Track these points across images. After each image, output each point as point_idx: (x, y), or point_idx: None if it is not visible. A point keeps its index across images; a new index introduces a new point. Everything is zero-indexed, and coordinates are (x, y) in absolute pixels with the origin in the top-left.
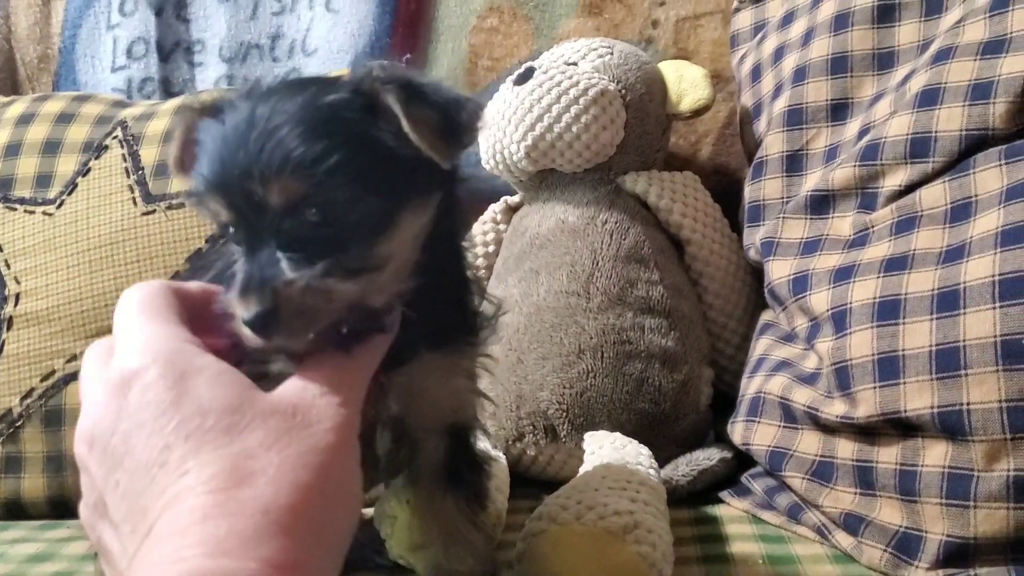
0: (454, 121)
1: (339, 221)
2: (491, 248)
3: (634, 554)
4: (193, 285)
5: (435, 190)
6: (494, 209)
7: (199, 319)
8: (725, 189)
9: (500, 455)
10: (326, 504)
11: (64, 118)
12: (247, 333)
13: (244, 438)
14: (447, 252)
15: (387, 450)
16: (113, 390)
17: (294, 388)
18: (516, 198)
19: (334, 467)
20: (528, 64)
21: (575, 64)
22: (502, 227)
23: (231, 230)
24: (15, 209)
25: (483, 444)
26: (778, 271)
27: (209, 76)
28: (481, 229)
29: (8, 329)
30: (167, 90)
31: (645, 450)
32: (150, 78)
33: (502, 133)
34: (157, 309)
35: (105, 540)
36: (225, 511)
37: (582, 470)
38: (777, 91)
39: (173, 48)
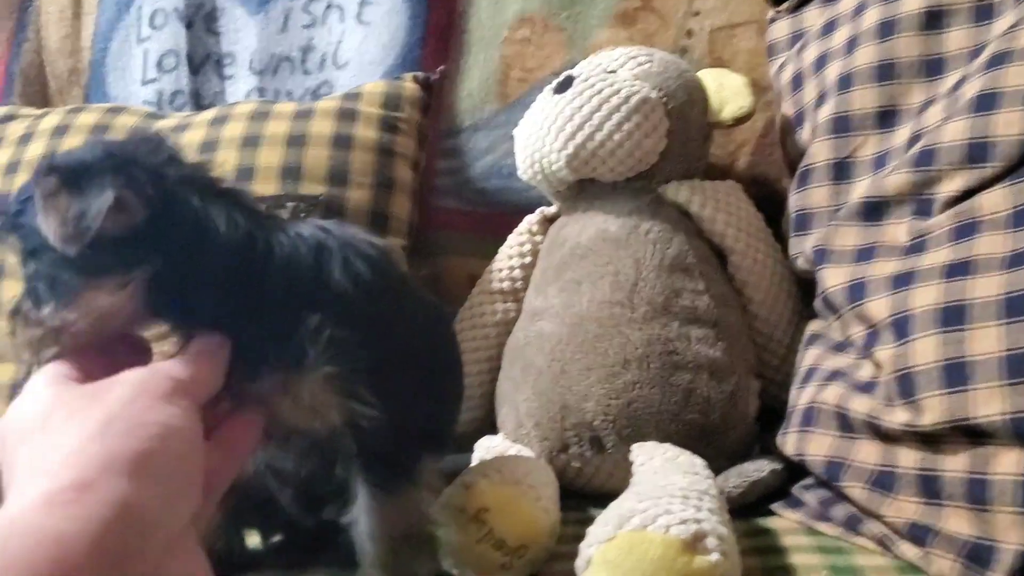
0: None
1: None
2: (527, 259)
3: (707, 563)
4: None
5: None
6: (530, 220)
7: None
8: (764, 199)
9: (546, 465)
10: (113, 441)
11: (99, 130)
12: None
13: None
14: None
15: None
16: None
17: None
18: (552, 208)
19: (124, 410)
20: (567, 73)
21: (615, 72)
22: (538, 238)
23: None
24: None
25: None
26: (833, 279)
27: (240, 89)
28: (517, 240)
29: None
30: (198, 103)
31: (699, 460)
32: (180, 91)
33: (541, 143)
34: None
35: None
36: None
37: (635, 480)
38: (821, 99)
39: (203, 61)
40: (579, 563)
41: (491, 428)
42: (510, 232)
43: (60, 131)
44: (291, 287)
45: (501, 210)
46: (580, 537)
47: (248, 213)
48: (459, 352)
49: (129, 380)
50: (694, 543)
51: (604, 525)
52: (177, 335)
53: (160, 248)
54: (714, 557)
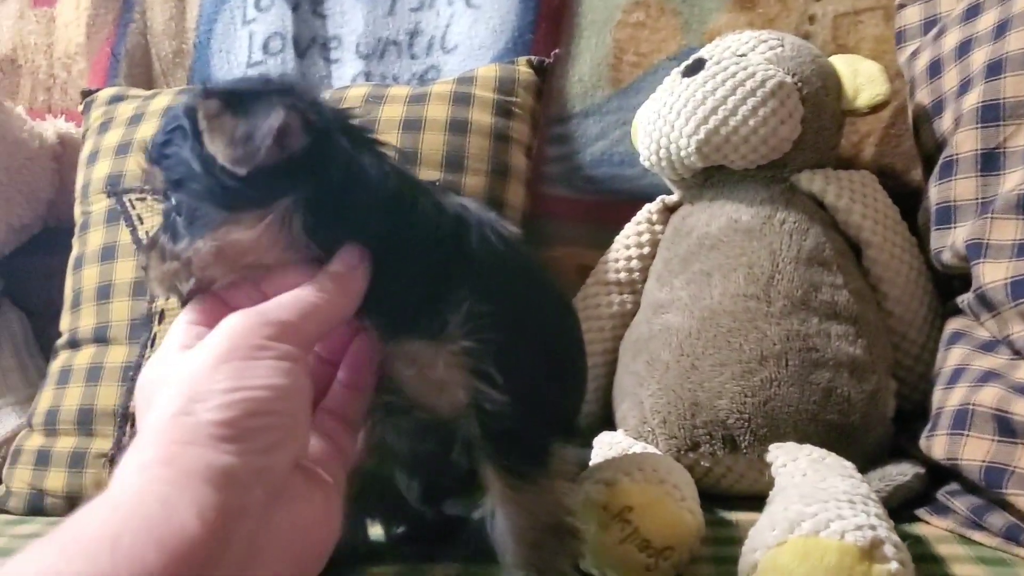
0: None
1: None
2: (646, 250)
3: (886, 572)
4: None
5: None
6: (649, 209)
7: None
8: (891, 191)
9: (681, 465)
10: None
11: None
12: None
13: None
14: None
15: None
16: None
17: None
18: (674, 197)
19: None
20: (696, 55)
21: (745, 56)
22: (658, 228)
23: None
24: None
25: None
26: (991, 274)
27: (346, 73)
28: (635, 230)
29: (160, 323)
30: None
31: (848, 463)
32: (286, 74)
33: (669, 127)
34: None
35: None
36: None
37: (781, 482)
38: (964, 87)
39: (309, 44)
40: (743, 567)
41: (607, 424)
42: (621, 221)
43: None
44: (433, 251)
45: (612, 198)
46: (716, 540)
47: (396, 168)
48: (583, 340)
49: (222, 332)
50: (871, 550)
51: (771, 529)
52: None
53: (309, 182)
54: (893, 566)
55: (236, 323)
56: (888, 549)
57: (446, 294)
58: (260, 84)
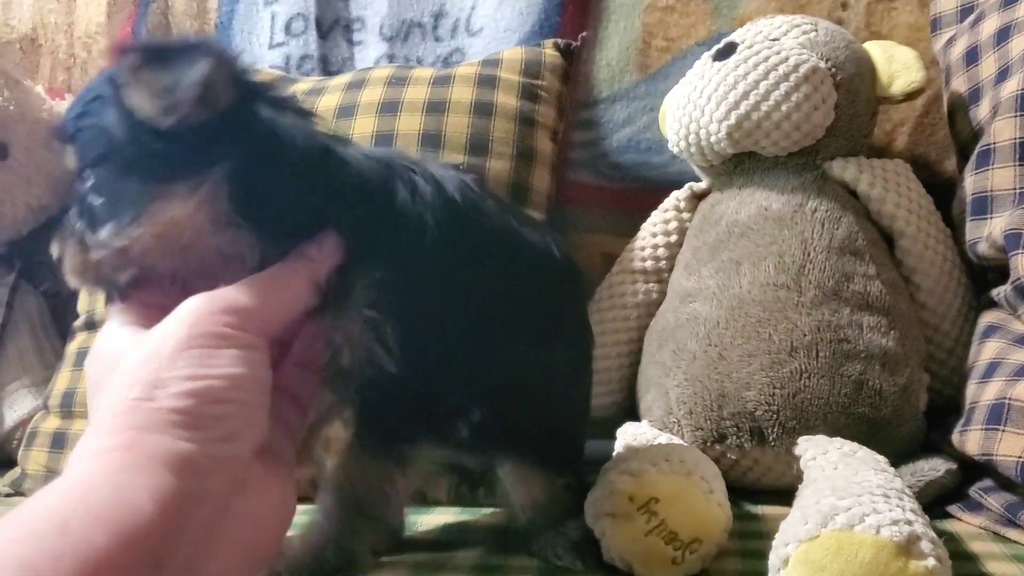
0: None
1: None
2: (673, 238)
3: (923, 568)
4: None
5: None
6: (676, 196)
7: None
8: (924, 181)
9: (708, 457)
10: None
11: None
12: None
13: None
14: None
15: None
16: None
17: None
18: (702, 184)
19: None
20: (728, 39)
21: (778, 40)
22: (685, 215)
23: None
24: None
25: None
26: None
27: (369, 55)
28: (662, 217)
29: None
30: (326, 68)
31: (880, 456)
32: (309, 55)
33: (699, 112)
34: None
35: None
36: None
37: (810, 475)
38: (1003, 74)
39: (332, 25)
40: (773, 561)
41: (631, 414)
42: (647, 209)
43: None
44: (360, 207)
45: (638, 186)
46: (741, 533)
47: (322, 132)
48: (584, 313)
49: (182, 318)
50: (908, 546)
51: (803, 522)
52: (257, 252)
53: (237, 147)
54: (930, 563)
55: (196, 308)
56: (925, 545)
57: (362, 256)
58: (185, 40)
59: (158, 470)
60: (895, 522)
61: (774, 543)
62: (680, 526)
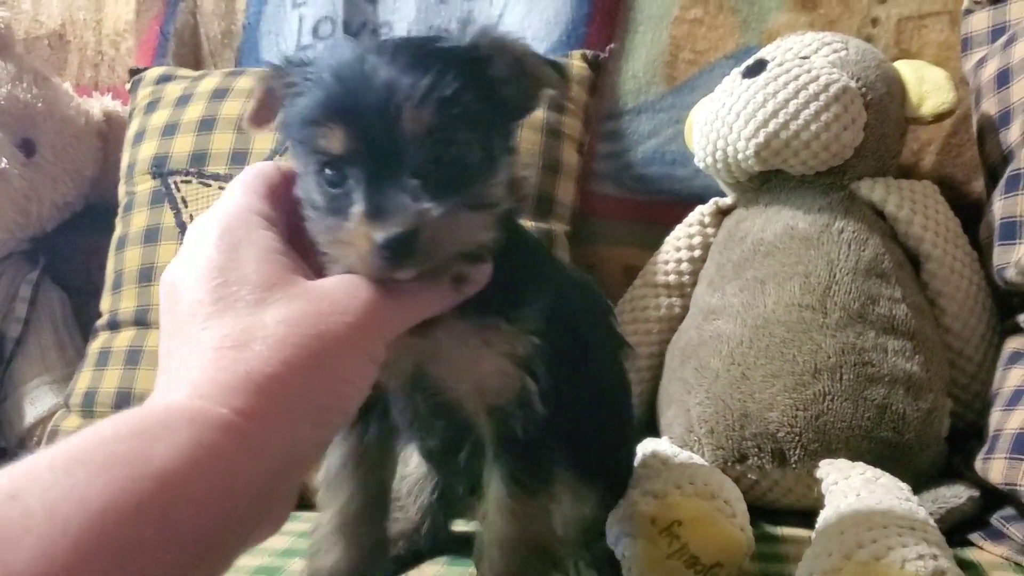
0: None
1: (460, 159)
2: (697, 252)
3: None
4: None
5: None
6: (701, 211)
7: None
8: (951, 202)
9: (730, 479)
10: (308, 384)
11: None
12: (367, 260)
13: (265, 311)
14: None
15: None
16: (186, 244)
17: (338, 280)
18: (728, 200)
19: (333, 357)
20: (758, 56)
21: (807, 58)
22: (710, 230)
23: (342, 161)
24: (209, 185)
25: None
26: None
27: None
28: (686, 232)
29: None
30: None
31: (903, 484)
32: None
33: (727, 129)
34: (249, 183)
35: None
36: (217, 365)
37: (832, 501)
38: None
39: (360, 29)
40: None
41: (651, 429)
42: (670, 222)
43: (219, 94)
44: (529, 254)
45: (662, 199)
46: (763, 556)
47: None
48: (629, 398)
49: (356, 317)
50: None
51: (827, 554)
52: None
53: None
54: None
55: (369, 305)
56: None
57: (526, 292)
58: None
59: (274, 457)
60: (920, 556)
61: (797, 573)
62: (702, 550)
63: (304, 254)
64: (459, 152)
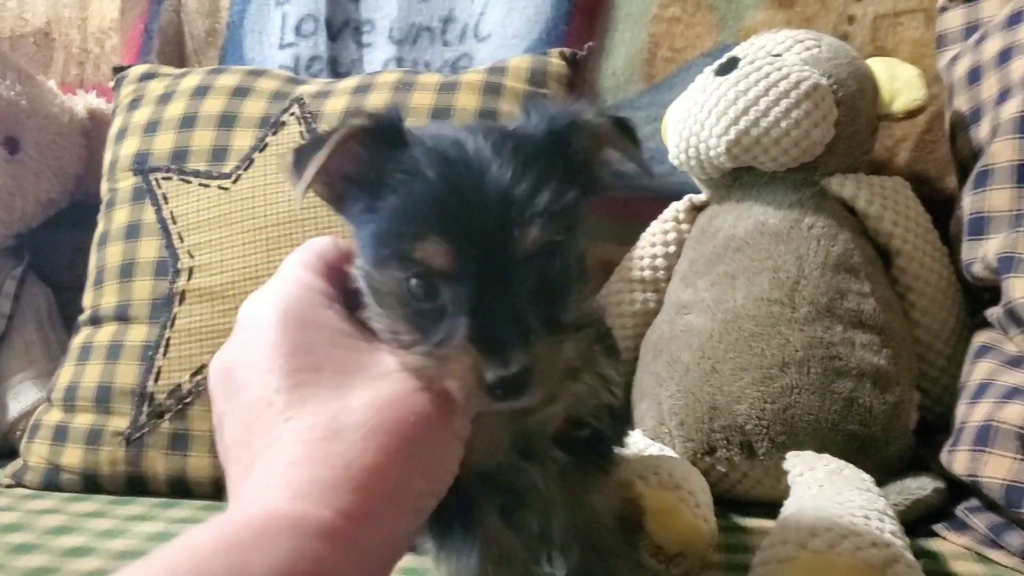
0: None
1: (564, 272)
2: (671, 248)
3: None
4: None
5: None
6: (676, 207)
7: None
8: (925, 198)
9: (697, 470)
10: (407, 470)
11: (240, 92)
12: (470, 393)
13: (348, 396)
14: None
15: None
16: (242, 328)
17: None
18: (702, 196)
19: (425, 438)
20: (730, 54)
21: (780, 56)
22: (684, 226)
23: (438, 276)
24: (189, 182)
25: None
26: (1021, 289)
27: (378, 57)
28: (661, 228)
29: (180, 303)
30: (335, 70)
31: (866, 476)
32: (318, 56)
33: (699, 126)
34: (308, 260)
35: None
36: (312, 460)
37: (796, 492)
38: (1004, 95)
39: (342, 27)
40: None
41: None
42: (648, 218)
43: (201, 91)
44: None
45: (640, 195)
46: (729, 546)
47: None
48: None
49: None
50: (884, 569)
51: (783, 544)
52: None
53: None
54: None
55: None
56: (901, 568)
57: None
58: None
59: (383, 556)
60: (874, 544)
61: (754, 562)
62: (665, 540)
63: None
64: (563, 266)
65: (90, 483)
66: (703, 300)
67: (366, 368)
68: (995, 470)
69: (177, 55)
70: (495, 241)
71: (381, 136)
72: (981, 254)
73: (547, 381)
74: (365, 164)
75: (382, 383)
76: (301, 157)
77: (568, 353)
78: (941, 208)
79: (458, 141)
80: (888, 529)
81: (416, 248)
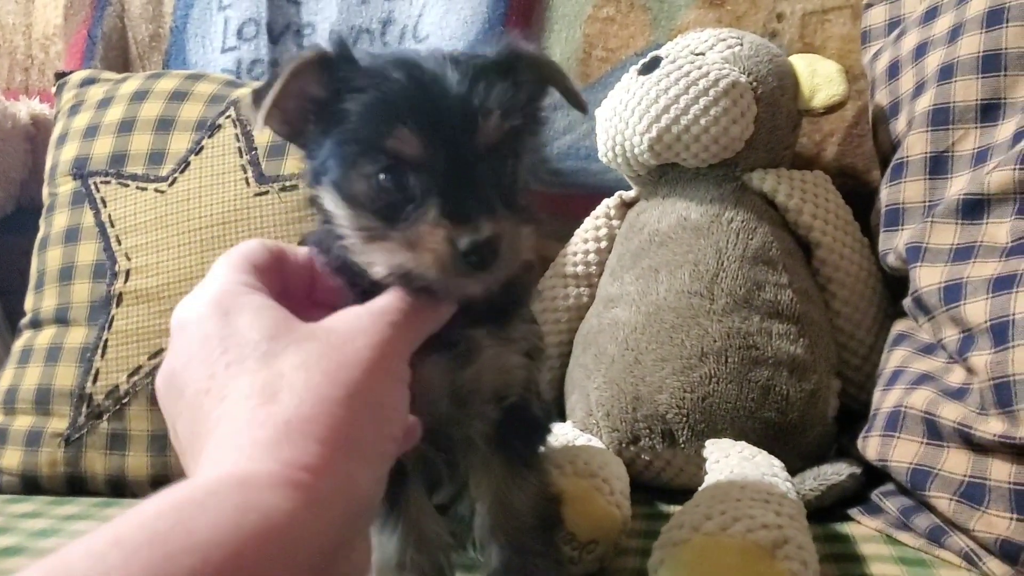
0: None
1: (516, 174)
2: (603, 244)
3: (786, 571)
4: (301, 250)
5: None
6: (607, 204)
7: (300, 282)
8: (851, 191)
9: (618, 458)
10: (352, 416)
11: (177, 96)
12: (446, 264)
13: (278, 362)
14: None
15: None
16: (176, 332)
17: (345, 314)
18: (631, 192)
19: (365, 383)
20: (654, 53)
21: (703, 55)
22: (615, 222)
23: (408, 166)
24: (127, 185)
25: (567, 426)
26: (927, 278)
27: None
28: (593, 224)
29: (118, 305)
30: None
31: (777, 462)
32: (260, 60)
33: (624, 124)
34: (234, 261)
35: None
36: (251, 426)
37: (710, 479)
38: (919, 89)
39: (283, 30)
40: (652, 563)
41: (560, 415)
42: (583, 214)
43: (139, 96)
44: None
45: (577, 192)
46: (648, 532)
47: None
48: None
49: (371, 339)
50: (773, 550)
51: (679, 527)
52: None
53: None
54: (794, 565)
55: (375, 333)
56: (790, 549)
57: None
58: None
59: (339, 507)
60: (765, 526)
61: (654, 545)
62: (577, 527)
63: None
64: (515, 167)
65: (30, 484)
66: (629, 293)
67: (289, 333)
68: (902, 454)
69: (122, 60)
70: (460, 132)
71: (334, 61)
72: (895, 244)
73: (511, 256)
74: (322, 89)
75: (307, 343)
76: (259, 95)
77: (525, 242)
78: (867, 200)
79: (414, 56)
80: (786, 512)
81: (388, 139)
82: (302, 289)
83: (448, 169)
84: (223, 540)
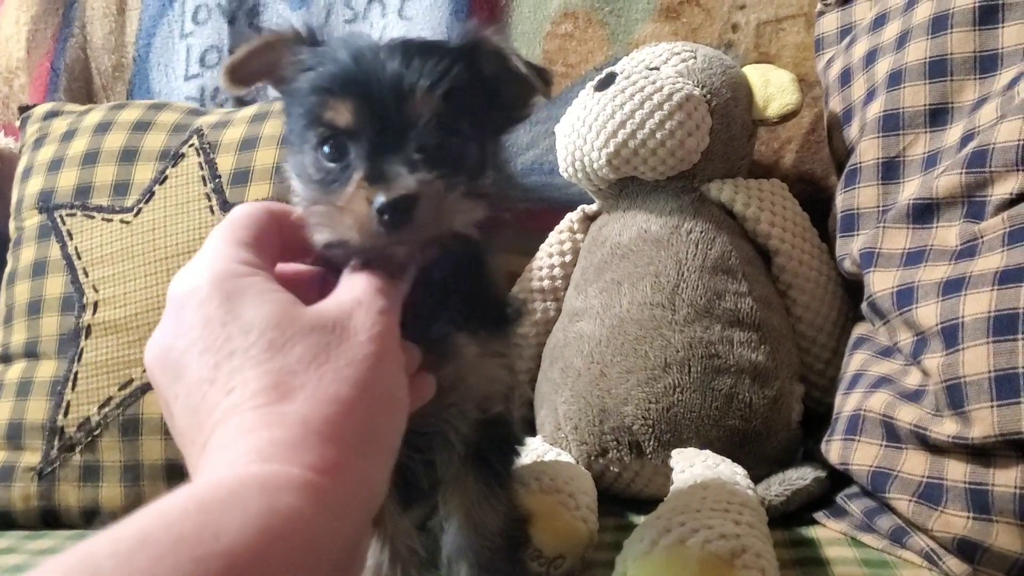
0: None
1: (460, 149)
2: (568, 258)
3: None
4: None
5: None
6: (571, 218)
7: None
8: (810, 197)
9: (586, 472)
10: (366, 413)
11: (141, 126)
12: (365, 224)
13: (285, 354)
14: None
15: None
16: (173, 308)
17: (335, 302)
18: (594, 207)
19: (373, 377)
20: (609, 69)
21: (657, 69)
22: (579, 236)
23: (345, 135)
24: (93, 217)
25: (537, 440)
26: (880, 283)
27: None
28: (557, 238)
29: (87, 337)
30: (239, 99)
31: (740, 469)
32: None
33: (582, 140)
34: (233, 231)
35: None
36: (266, 424)
37: (674, 489)
38: (870, 96)
39: None
40: (615, 575)
41: (529, 430)
42: (550, 229)
43: (103, 127)
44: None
45: (542, 206)
46: (618, 545)
47: None
48: None
49: (369, 332)
50: (732, 559)
51: (640, 540)
52: None
53: None
54: (752, 574)
55: (385, 325)
56: (749, 557)
57: (498, 304)
58: None
59: (358, 507)
60: (724, 536)
61: (617, 557)
62: (544, 544)
63: (295, 291)
64: (459, 143)
65: (4, 520)
66: (593, 307)
67: (293, 322)
68: (863, 457)
69: (85, 91)
70: (394, 103)
71: (301, 40)
72: (851, 250)
73: (432, 218)
74: (288, 65)
75: (312, 336)
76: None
77: (458, 209)
78: (825, 207)
79: (373, 42)
80: (746, 520)
81: (325, 110)
82: (301, 241)
83: (377, 137)
84: (249, 544)
